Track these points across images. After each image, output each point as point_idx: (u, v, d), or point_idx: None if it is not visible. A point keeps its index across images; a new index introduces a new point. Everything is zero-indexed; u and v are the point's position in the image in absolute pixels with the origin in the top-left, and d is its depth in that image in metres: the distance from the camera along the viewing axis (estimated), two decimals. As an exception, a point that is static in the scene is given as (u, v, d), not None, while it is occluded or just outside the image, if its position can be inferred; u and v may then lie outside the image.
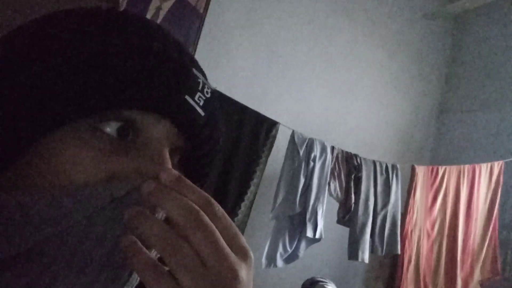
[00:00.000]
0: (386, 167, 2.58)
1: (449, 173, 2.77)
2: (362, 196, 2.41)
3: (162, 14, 2.07)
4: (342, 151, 2.41)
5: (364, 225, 2.38)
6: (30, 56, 0.33)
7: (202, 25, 2.20)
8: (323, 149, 2.27)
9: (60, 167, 0.32)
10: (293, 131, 2.21)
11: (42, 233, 0.30)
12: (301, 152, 2.16)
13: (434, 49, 3.55)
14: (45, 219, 0.30)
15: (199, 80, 0.38)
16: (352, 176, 2.41)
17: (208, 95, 0.39)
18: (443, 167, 2.79)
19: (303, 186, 2.18)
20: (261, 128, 2.14)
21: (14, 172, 0.33)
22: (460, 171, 2.77)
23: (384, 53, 3.13)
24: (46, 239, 0.30)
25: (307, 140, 2.22)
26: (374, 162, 2.53)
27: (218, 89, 2.04)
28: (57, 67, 0.32)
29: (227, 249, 0.29)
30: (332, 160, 2.31)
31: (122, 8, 1.49)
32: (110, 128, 0.34)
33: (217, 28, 2.26)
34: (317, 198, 2.23)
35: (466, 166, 2.76)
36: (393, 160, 2.83)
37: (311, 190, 2.19)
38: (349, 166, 2.39)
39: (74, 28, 0.35)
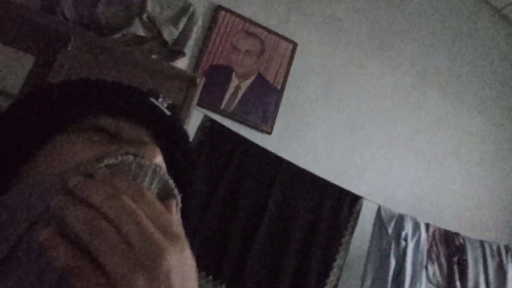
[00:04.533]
0: (498, 248, 2.18)
1: None
2: (470, 284, 2.03)
3: (241, 92, 2.15)
4: (440, 229, 2.11)
5: (475, 321, 1.98)
6: (43, 98, 0.47)
7: (280, 100, 2.23)
8: (416, 227, 2.01)
9: (59, 152, 0.40)
10: (379, 206, 2.01)
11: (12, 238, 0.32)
12: (390, 230, 1.94)
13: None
14: (18, 220, 0.32)
15: (158, 93, 0.48)
16: (455, 259, 2.07)
17: (170, 102, 0.48)
18: None
19: (395, 269, 1.91)
20: (343, 204, 1.99)
21: (28, 165, 0.41)
22: None
23: (481, 119, 2.83)
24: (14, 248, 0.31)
25: (396, 216, 2.00)
26: (481, 243, 2.16)
27: (296, 163, 1.98)
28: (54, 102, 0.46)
29: (153, 230, 0.29)
30: (428, 239, 2.02)
31: (199, 87, 1.55)
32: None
33: (295, 103, 2.26)
34: (413, 284, 1.93)
35: None
36: (506, 240, 2.41)
37: (404, 274, 1.91)
38: (449, 247, 2.07)
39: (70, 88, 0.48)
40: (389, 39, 2.60)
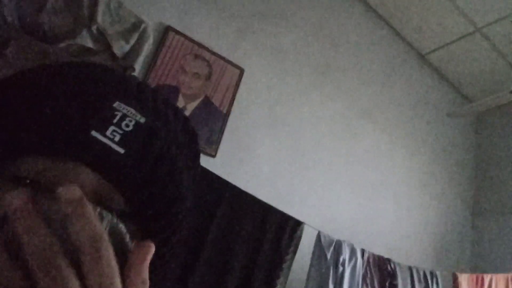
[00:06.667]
0: (424, 274, 2.32)
1: (496, 282, 2.47)
2: (400, 307, 2.13)
3: (187, 113, 2.12)
4: (374, 255, 2.20)
5: None
6: None
7: (226, 124, 2.23)
8: (353, 253, 2.09)
9: None
10: (319, 232, 2.06)
11: None
12: (329, 255, 1.98)
13: (460, 148, 3.48)
14: None
15: (116, 112, 0.33)
16: (387, 284, 2.16)
17: (129, 128, 0.33)
18: (489, 275, 2.50)
19: (333, 294, 1.95)
20: (285, 228, 2.00)
21: None
22: (507, 280, 2.47)
23: (407, 153, 3.07)
24: None
25: (334, 242, 2.06)
26: (410, 269, 2.29)
27: (240, 187, 1.97)
28: None
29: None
30: (363, 265, 2.10)
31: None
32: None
33: (240, 127, 2.28)
34: (349, 309, 1.98)
35: (515, 274, 2.47)
36: (430, 266, 2.58)
37: (341, 300, 1.96)
38: (382, 272, 2.16)
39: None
40: (329, 72, 2.75)
